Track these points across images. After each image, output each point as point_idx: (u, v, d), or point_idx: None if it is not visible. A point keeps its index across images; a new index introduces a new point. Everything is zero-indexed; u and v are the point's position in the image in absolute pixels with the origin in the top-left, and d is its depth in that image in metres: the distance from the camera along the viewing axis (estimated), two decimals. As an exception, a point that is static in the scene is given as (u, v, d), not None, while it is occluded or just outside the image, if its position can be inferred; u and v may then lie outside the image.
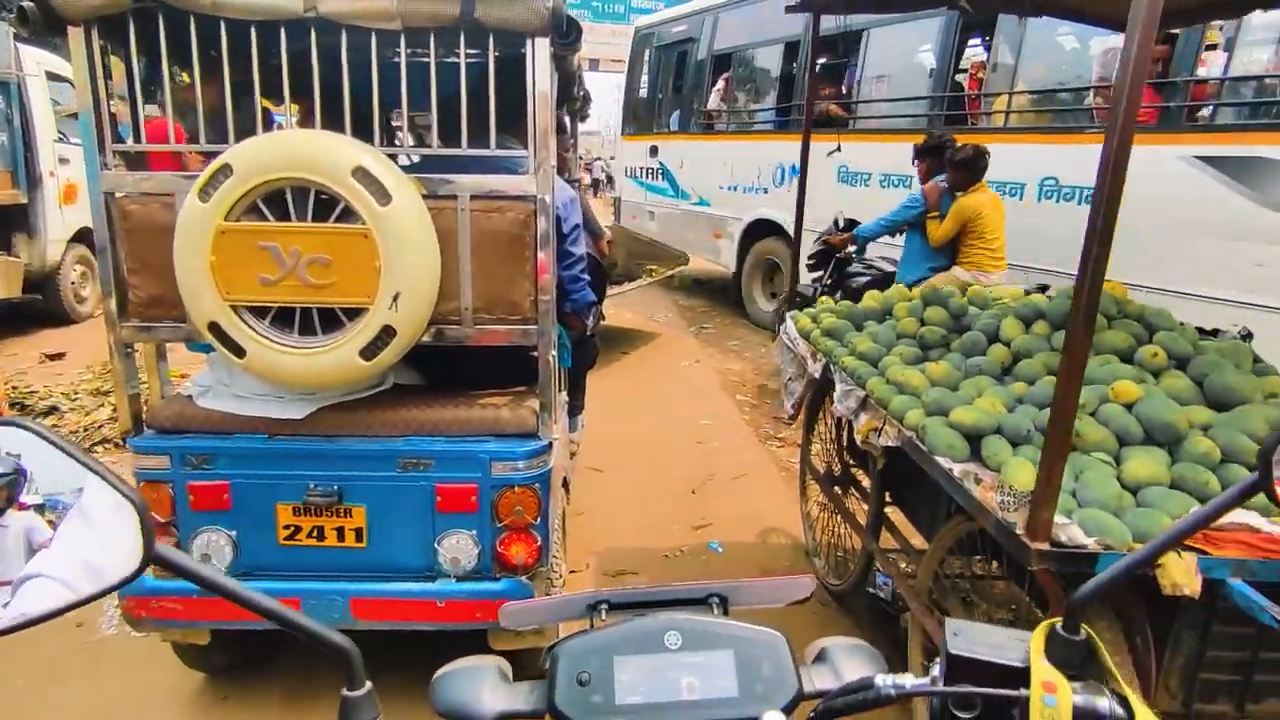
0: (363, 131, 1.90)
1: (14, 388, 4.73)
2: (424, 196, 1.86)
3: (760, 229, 7.26)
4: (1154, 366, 1.90)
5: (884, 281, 4.39)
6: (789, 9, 3.18)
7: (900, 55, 6.07)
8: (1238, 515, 1.43)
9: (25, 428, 0.61)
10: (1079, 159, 4.35)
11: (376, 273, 1.78)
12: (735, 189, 7.61)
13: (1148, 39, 1.24)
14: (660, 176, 8.96)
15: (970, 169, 4.16)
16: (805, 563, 3.16)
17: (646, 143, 9.15)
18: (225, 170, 1.74)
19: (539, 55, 1.85)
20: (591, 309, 2.43)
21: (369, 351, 1.83)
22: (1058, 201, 4.70)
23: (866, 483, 2.74)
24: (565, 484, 2.62)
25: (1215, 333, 2.19)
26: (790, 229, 5.33)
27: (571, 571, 2.94)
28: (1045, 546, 1.36)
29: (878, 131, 6.20)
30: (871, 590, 2.87)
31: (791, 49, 6.97)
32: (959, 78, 5.76)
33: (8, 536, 1.27)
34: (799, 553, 3.26)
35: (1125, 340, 1.99)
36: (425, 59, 1.85)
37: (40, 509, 0.79)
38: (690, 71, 8.49)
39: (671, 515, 3.55)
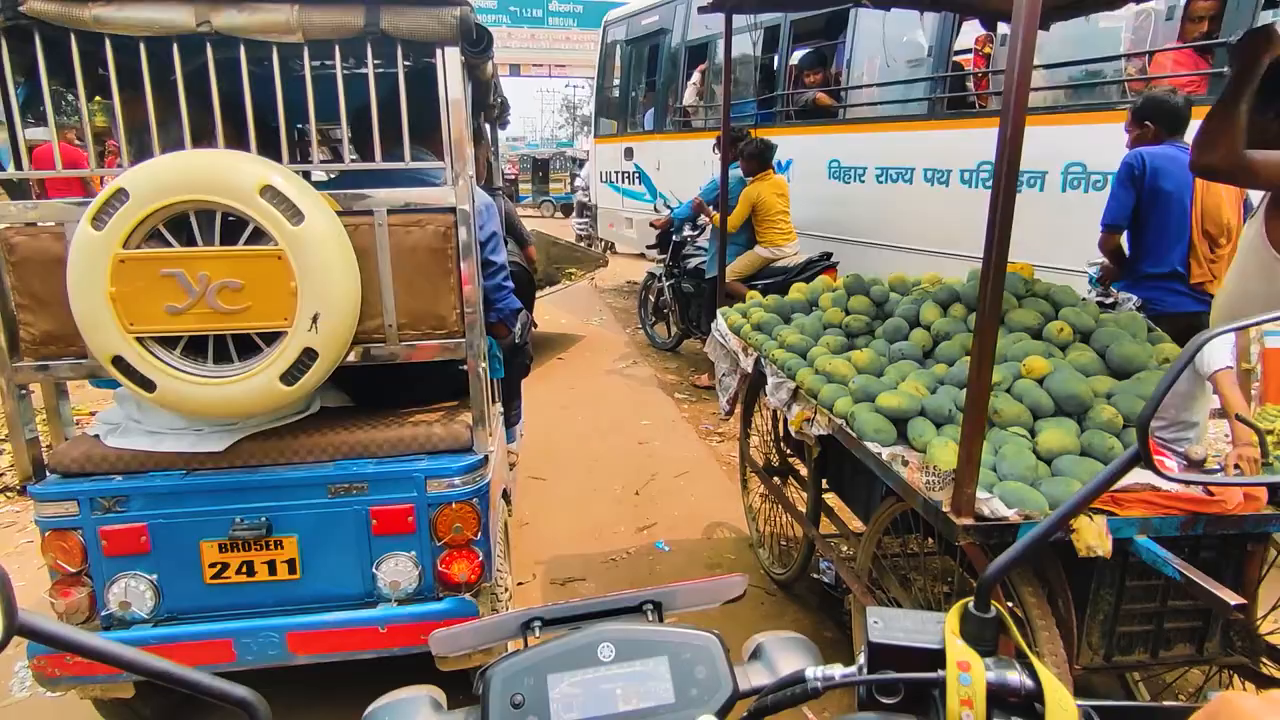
0: (270, 148, 1.83)
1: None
2: (339, 213, 1.81)
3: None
4: (1061, 341, 2.01)
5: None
6: (701, 10, 3.22)
7: (893, 34, 5.29)
8: (1139, 476, 1.53)
9: None
10: (1105, 139, 3.61)
11: (293, 294, 1.72)
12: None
13: (1031, 30, 1.31)
14: (636, 180, 8.46)
15: (758, 159, 5.15)
16: (750, 555, 3.21)
17: (620, 145, 8.67)
18: (120, 195, 1.65)
19: (450, 64, 1.82)
20: (518, 316, 2.40)
21: (290, 376, 1.76)
22: (1085, 191, 3.99)
23: (804, 472, 2.80)
24: (506, 496, 2.58)
25: (1114, 305, 2.33)
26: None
27: (519, 583, 2.91)
28: (970, 521, 1.42)
29: (871, 121, 5.49)
30: (816, 576, 2.94)
31: (772, 34, 6.51)
32: (958, 58, 5.10)
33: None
34: (743, 545, 3.31)
35: (1034, 318, 2.10)
36: (331, 71, 1.79)
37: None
38: (663, 66, 7.95)
39: (616, 518, 3.55)
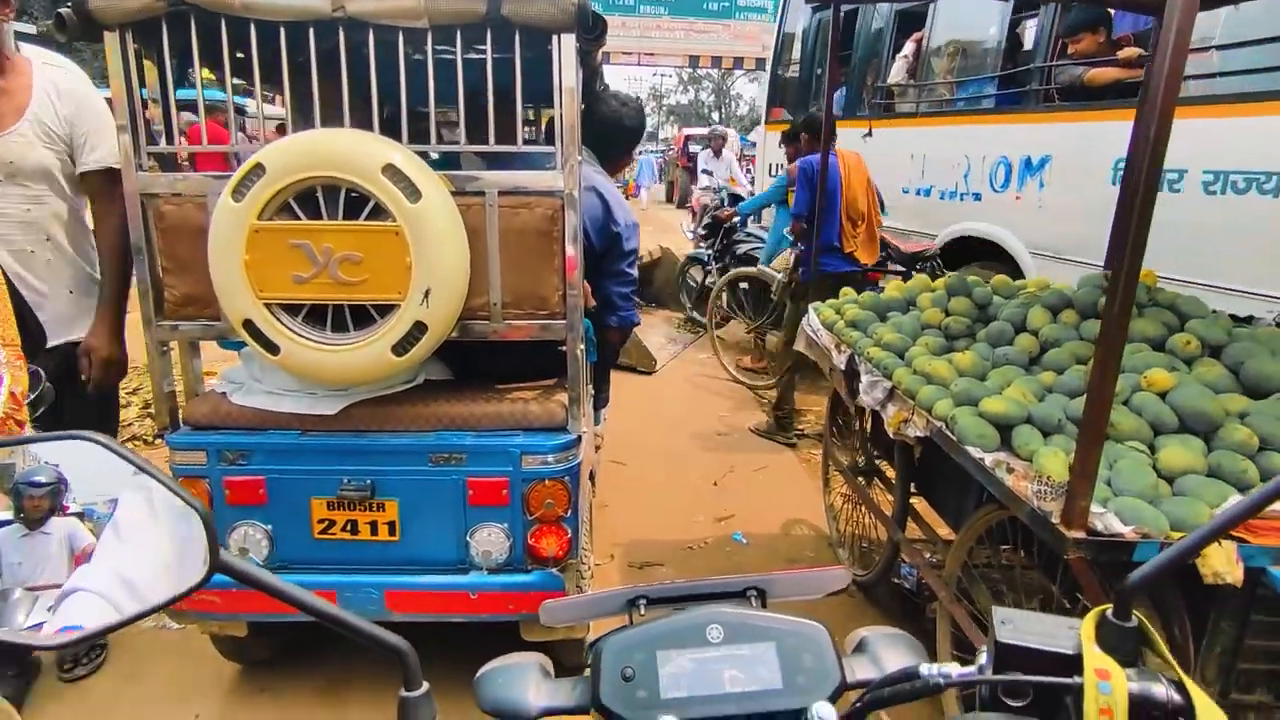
0: (393, 129, 1.92)
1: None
2: (453, 193, 1.88)
3: (964, 251, 4.92)
4: (1187, 355, 1.89)
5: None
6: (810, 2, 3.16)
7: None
8: (1278, 504, 1.42)
9: (89, 439, 0.63)
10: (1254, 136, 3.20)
11: (408, 269, 1.79)
12: (926, 193, 5.39)
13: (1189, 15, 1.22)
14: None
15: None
16: (829, 553, 3.16)
17: None
18: (258, 170, 1.76)
19: (565, 51, 1.85)
20: (632, 329, 2.52)
21: (401, 347, 1.85)
22: (1233, 193, 3.32)
23: (891, 474, 2.73)
24: (591, 476, 2.64)
25: (1250, 320, 2.17)
26: (1016, 248, 4.28)
27: (597, 563, 2.96)
28: (1081, 535, 1.36)
29: (1200, 102, 3.48)
30: (896, 580, 2.87)
31: None
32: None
33: (52, 543, 1.31)
34: (822, 543, 3.26)
35: (1156, 329, 1.98)
36: (451, 56, 1.86)
37: (80, 516, 0.82)
38: (863, 37, 6.41)
39: (694, 507, 3.56)
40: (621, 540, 3.23)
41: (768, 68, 8.51)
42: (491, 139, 1.94)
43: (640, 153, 19.53)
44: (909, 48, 5.72)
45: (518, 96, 1.88)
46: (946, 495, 2.38)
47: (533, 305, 1.98)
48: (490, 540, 2.01)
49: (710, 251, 6.41)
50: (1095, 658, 0.58)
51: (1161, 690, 0.57)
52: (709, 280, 6.48)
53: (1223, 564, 1.31)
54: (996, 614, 0.64)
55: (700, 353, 6.33)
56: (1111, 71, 3.99)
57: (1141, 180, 1.28)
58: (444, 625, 2.02)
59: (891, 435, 2.13)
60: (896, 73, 5.87)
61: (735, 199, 7.03)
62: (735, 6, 17.74)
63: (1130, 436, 1.65)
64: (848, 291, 2.95)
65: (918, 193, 5.47)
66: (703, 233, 6.60)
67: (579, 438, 2.06)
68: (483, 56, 1.87)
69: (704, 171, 10.73)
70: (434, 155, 2.89)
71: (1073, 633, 0.62)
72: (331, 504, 1.98)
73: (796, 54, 7.59)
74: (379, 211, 1.79)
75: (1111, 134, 3.83)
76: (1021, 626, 0.63)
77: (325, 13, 1.80)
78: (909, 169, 5.50)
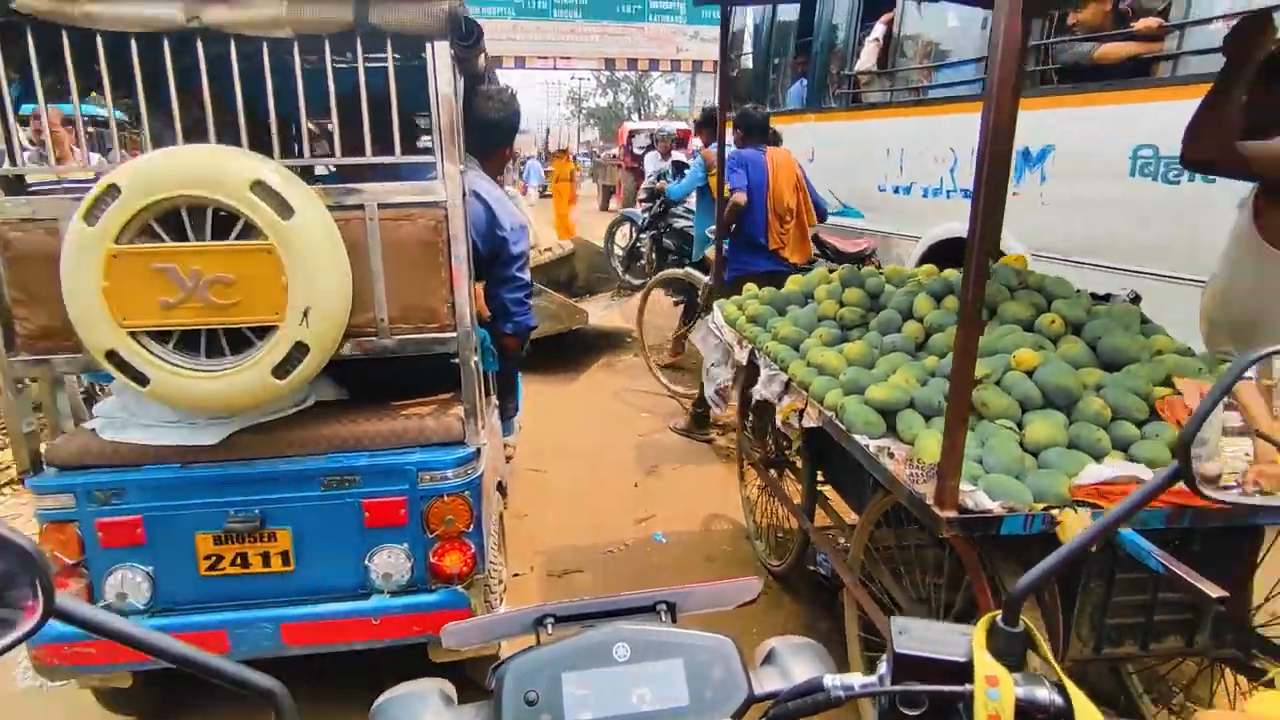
0: (264, 142, 1.84)
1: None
2: (329, 207, 1.82)
3: (951, 253, 4.24)
4: (1052, 333, 2.00)
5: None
6: (698, 1, 3.21)
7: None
8: (1125, 469, 1.52)
9: None
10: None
11: (284, 289, 1.73)
12: (907, 191, 4.91)
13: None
14: None
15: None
16: (746, 546, 3.22)
17: None
18: (112, 191, 1.66)
19: (439, 59, 1.82)
20: (530, 333, 2.47)
21: (282, 370, 1.78)
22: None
23: (800, 464, 2.80)
24: (501, 488, 2.60)
25: (1108, 298, 2.32)
26: (1009, 248, 3.50)
27: (515, 575, 2.93)
28: (953, 514, 1.42)
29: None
30: (812, 568, 2.94)
31: None
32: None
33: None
34: (740, 537, 3.32)
35: (1027, 310, 2.09)
36: (322, 65, 1.80)
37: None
38: (825, 23, 5.83)
39: (615, 509, 3.56)
40: (541, 548, 3.20)
41: (715, 67, 8.05)
42: (369, 150, 1.88)
43: (526, 159, 19.36)
44: (879, 30, 5.16)
45: (393, 105, 1.84)
46: (849, 482, 2.45)
47: (421, 319, 1.94)
48: (390, 562, 1.95)
49: (645, 216, 6.53)
50: (985, 665, 0.60)
51: (1045, 694, 0.59)
52: (638, 242, 6.57)
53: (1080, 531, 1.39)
54: (894, 624, 0.66)
55: (627, 354, 6.34)
56: (1125, 47, 3.46)
57: (985, 173, 1.35)
58: (348, 654, 1.96)
59: (780, 426, 2.18)
60: (866, 59, 5.28)
61: (680, 169, 7.15)
62: (648, 9, 17.90)
63: (1001, 415, 1.74)
64: (750, 288, 3.01)
65: (896, 190, 4.98)
66: (643, 198, 6.93)
67: (479, 451, 2.03)
68: (355, 65, 1.82)
69: (654, 174, 9.34)
70: (323, 169, 2.80)
71: (965, 639, 0.64)
72: (218, 538, 1.89)
73: (748, 47, 7.19)
74: (250, 230, 1.72)
75: (1127, 118, 3.40)
76: (917, 635, 0.64)
77: (179, 24, 1.72)
78: (885, 165, 5.02)
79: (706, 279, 4.97)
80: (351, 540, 1.94)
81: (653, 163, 10.40)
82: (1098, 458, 1.59)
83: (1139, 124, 3.37)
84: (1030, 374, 1.82)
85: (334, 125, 1.88)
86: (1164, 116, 3.18)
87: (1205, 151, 1.94)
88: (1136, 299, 2.29)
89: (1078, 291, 2.22)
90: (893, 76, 5.17)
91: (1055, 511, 1.45)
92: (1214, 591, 1.25)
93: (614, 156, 20.49)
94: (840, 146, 5.52)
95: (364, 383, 2.22)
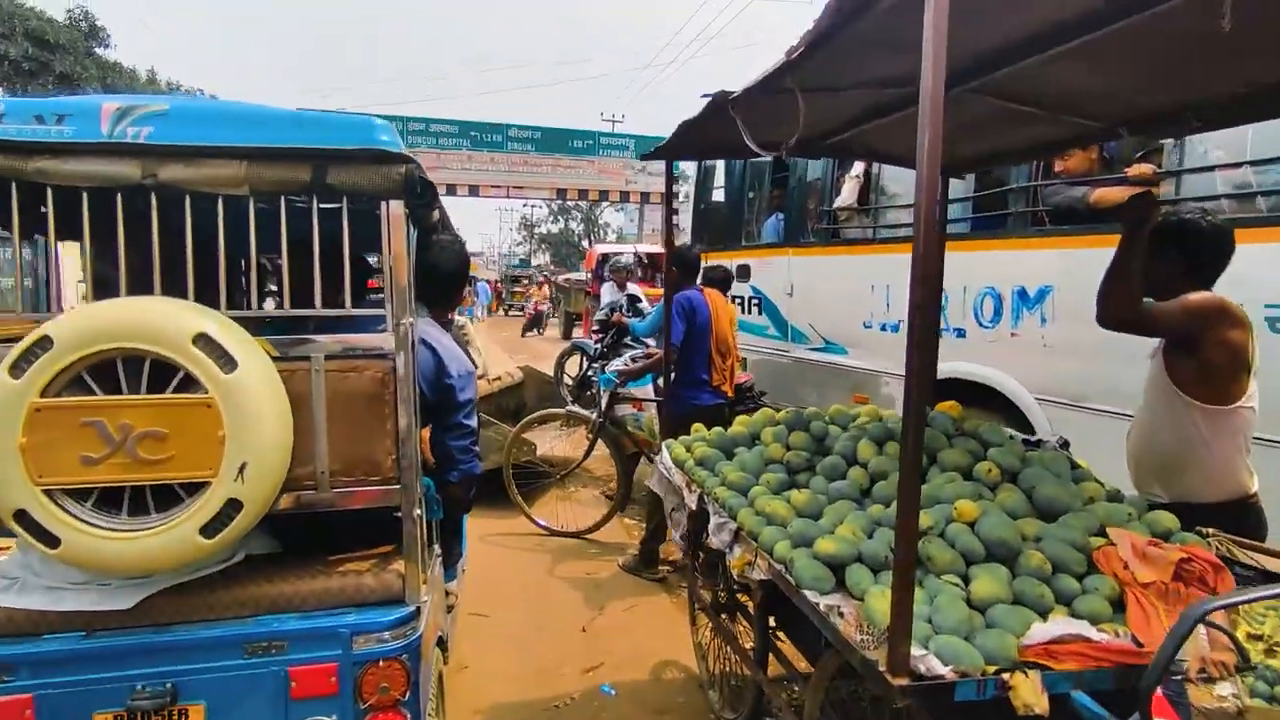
0: (212, 289, 1.84)
1: None
2: (274, 359, 1.80)
3: (951, 394, 3.51)
4: (990, 481, 2.07)
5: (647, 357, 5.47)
6: (643, 157, 3.43)
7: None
8: (1070, 625, 1.54)
9: None
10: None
11: (220, 443, 1.67)
12: (895, 329, 4.72)
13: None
14: (755, 309, 6.19)
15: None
16: (699, 697, 3.07)
17: (729, 261, 6.24)
18: (44, 343, 1.62)
19: (394, 216, 1.88)
20: (475, 481, 2.43)
21: (211, 529, 1.69)
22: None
23: (752, 608, 2.73)
24: (442, 642, 2.45)
25: (1039, 443, 2.41)
26: (1016, 392, 3.70)
27: (453, 739, 2.71)
28: (905, 682, 1.40)
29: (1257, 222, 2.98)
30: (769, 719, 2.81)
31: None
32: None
33: None
34: (693, 686, 3.17)
35: (964, 457, 2.16)
36: (276, 208, 1.83)
37: None
38: (802, 160, 5.66)
39: (561, 657, 3.38)
40: (483, 705, 2.99)
41: (689, 202, 7.91)
42: (318, 301, 1.89)
43: (477, 281, 19.57)
44: (858, 167, 5.19)
45: (345, 263, 1.87)
46: (802, 630, 2.40)
47: (364, 470, 1.89)
48: (315, 738, 1.79)
49: (598, 347, 6.72)
50: None
51: None
52: (590, 371, 6.61)
53: (1030, 695, 1.38)
54: None
55: (576, 485, 6.23)
56: (1120, 191, 3.19)
57: (918, 323, 1.43)
58: None
59: (736, 579, 2.15)
60: (846, 195, 5.25)
61: (635, 305, 7.60)
62: (599, 145, 19.10)
63: (947, 569, 1.76)
64: (698, 428, 3.04)
65: (884, 328, 4.78)
66: (595, 329, 7.11)
67: (419, 609, 1.93)
68: (307, 207, 1.85)
69: (636, 312, 8.16)
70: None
71: None
72: (120, 718, 1.71)
73: (720, 180, 7.09)
74: (189, 382, 1.68)
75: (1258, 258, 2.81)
76: None
77: (134, 180, 1.74)
78: (871, 301, 4.84)
79: (593, 415, 5.02)
80: (274, 714, 1.78)
81: (609, 293, 9.79)
82: (1042, 613, 1.60)
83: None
84: (972, 525, 1.85)
85: (284, 268, 1.89)
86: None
87: (1116, 313, 2.12)
88: (1065, 444, 2.40)
89: (1010, 437, 2.31)
90: (875, 213, 5.14)
91: (1005, 675, 1.44)
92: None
93: (580, 281, 19.21)
94: (821, 282, 5.47)
95: (301, 534, 2.12)
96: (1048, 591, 1.65)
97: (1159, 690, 1.09)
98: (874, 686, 1.49)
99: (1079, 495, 1.99)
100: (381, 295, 2.02)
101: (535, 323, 22.47)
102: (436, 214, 2.36)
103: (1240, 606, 1.54)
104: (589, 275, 16.87)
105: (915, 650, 1.44)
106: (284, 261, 1.86)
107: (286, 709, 1.80)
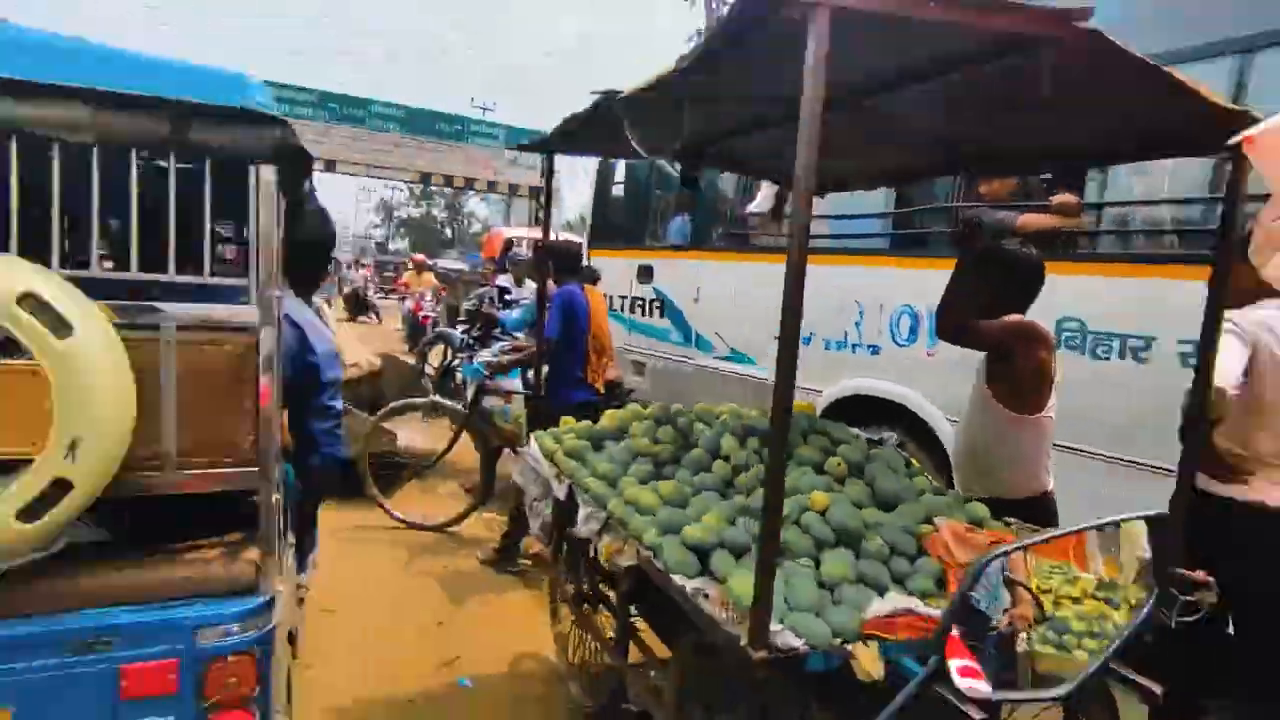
0: (43, 250, 1.64)
1: None
2: (118, 326, 1.64)
3: (856, 410, 4.19)
4: (839, 475, 2.26)
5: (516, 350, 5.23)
6: (520, 148, 3.42)
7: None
8: (903, 602, 1.73)
9: None
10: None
11: (47, 415, 1.50)
12: (806, 342, 4.27)
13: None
14: (657, 312, 5.96)
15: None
16: (559, 688, 3.10)
17: (631, 260, 6.09)
18: None
19: (264, 184, 1.77)
20: (342, 467, 2.31)
21: (31, 512, 1.51)
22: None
23: (615, 597, 2.81)
24: (292, 637, 2.32)
25: (881, 441, 2.67)
26: (930, 413, 3.59)
27: (298, 740, 2.57)
28: (764, 654, 1.52)
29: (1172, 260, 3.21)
30: (626, 706, 2.89)
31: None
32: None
33: None
34: (553, 677, 3.19)
35: (817, 453, 2.35)
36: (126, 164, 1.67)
37: None
38: None
39: (416, 653, 3.29)
40: (331, 704, 2.85)
41: (532, 192, 7.93)
42: (171, 269, 1.75)
43: (342, 266, 18.51)
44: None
45: (206, 228, 1.74)
46: (663, 616, 2.50)
47: (218, 452, 1.76)
48: (149, 741, 1.65)
49: (464, 338, 6.56)
50: None
51: None
52: (455, 362, 6.44)
53: (870, 664, 1.54)
54: None
55: (437, 477, 6.05)
56: (1045, 219, 3.48)
57: (786, 336, 1.56)
58: None
59: (605, 565, 2.21)
60: (762, 201, 5.01)
61: (504, 296, 7.29)
62: (468, 131, 18.47)
63: (802, 554, 1.91)
64: (568, 421, 3.08)
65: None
66: (463, 320, 6.97)
67: (272, 599, 1.82)
68: (165, 168, 1.70)
69: (505, 304, 7.30)
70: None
71: None
72: (-97, 729, 1.50)
73: (621, 175, 6.83)
74: (12, 346, 1.50)
75: (1058, 287, 2.77)
76: None
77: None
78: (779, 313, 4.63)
79: (459, 406, 4.98)
80: (98, 717, 1.62)
81: (509, 288, 8.22)
82: (881, 591, 1.79)
83: (1069, 293, 3.24)
84: (823, 513, 2.03)
85: (133, 232, 1.73)
86: (1086, 289, 3.30)
87: (949, 325, 2.39)
88: (902, 444, 2.67)
89: (856, 435, 2.54)
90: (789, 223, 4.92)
91: (849, 647, 1.60)
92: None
93: (467, 272, 16.33)
94: (729, 288, 5.22)
95: (136, 520, 1.93)
96: (885, 572, 1.84)
97: (953, 631, 1.28)
98: (734, 661, 1.60)
99: (912, 488, 2.23)
100: (232, 266, 1.90)
101: (418, 333, 12.74)
102: (307, 184, 2.24)
103: (1031, 568, 1.82)
104: (486, 263, 13.40)
105: (773, 626, 1.56)
106: (134, 225, 1.70)
107: (114, 711, 1.64)
